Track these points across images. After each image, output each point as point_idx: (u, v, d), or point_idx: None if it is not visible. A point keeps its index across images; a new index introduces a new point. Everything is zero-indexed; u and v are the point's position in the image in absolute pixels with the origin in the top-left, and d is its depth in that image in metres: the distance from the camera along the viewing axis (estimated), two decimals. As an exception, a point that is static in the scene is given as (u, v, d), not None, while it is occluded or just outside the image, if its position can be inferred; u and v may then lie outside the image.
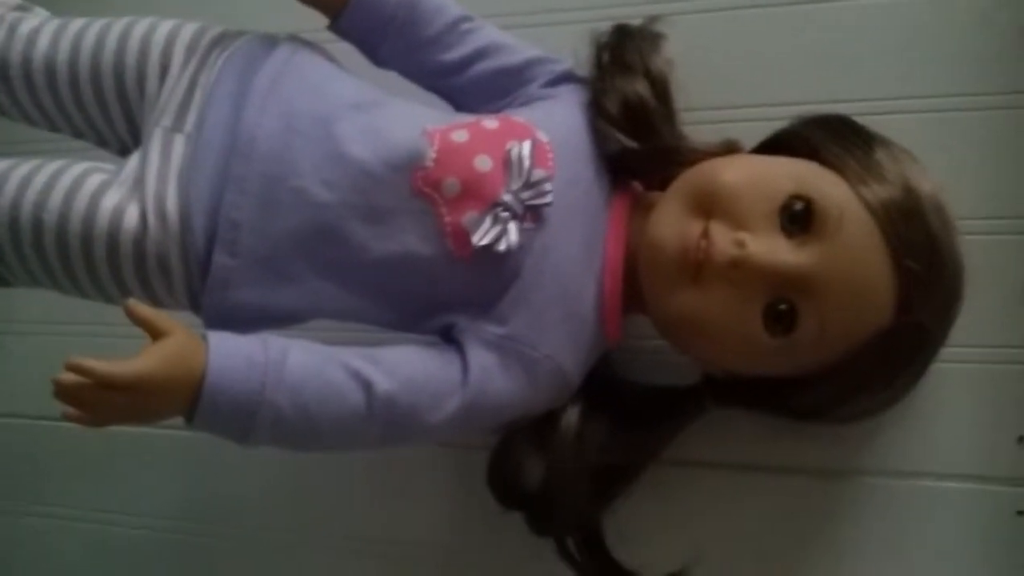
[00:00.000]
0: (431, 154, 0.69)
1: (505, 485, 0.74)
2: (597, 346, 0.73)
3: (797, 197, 0.65)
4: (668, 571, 0.75)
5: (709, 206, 0.67)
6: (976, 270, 0.68)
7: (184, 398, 0.62)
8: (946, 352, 0.69)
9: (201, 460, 0.99)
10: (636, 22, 0.78)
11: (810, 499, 0.79)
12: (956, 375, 0.75)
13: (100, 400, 0.60)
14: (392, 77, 0.80)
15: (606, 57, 0.76)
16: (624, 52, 0.75)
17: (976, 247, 0.69)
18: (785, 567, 0.80)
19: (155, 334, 0.63)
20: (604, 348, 0.74)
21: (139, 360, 0.61)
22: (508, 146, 0.69)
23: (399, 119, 0.72)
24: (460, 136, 0.70)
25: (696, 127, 0.76)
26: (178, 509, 1.01)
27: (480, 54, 0.77)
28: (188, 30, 0.77)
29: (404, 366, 0.68)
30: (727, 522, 0.81)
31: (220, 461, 0.97)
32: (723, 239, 0.65)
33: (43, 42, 0.77)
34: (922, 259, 0.64)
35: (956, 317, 0.68)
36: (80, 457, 1.05)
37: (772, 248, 0.64)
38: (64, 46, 0.77)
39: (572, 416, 0.72)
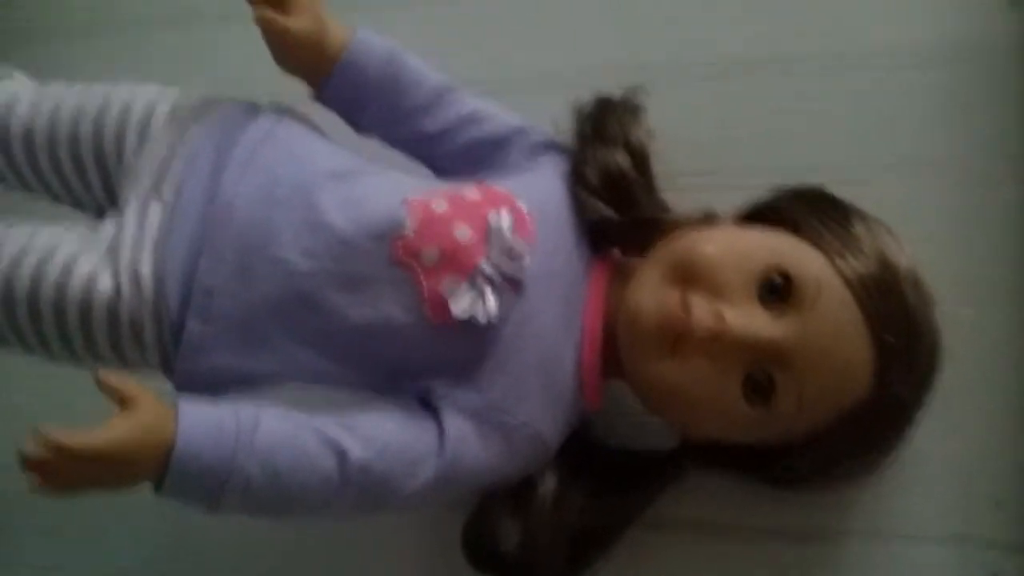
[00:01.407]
0: (411, 224, 0.69)
1: (480, 549, 0.72)
2: (576, 412, 0.72)
3: (775, 269, 0.66)
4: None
5: (688, 277, 0.67)
6: (955, 338, 0.69)
7: (153, 467, 0.61)
8: (925, 418, 0.69)
9: (171, 515, 0.95)
10: (618, 93, 0.78)
11: (788, 561, 0.78)
12: (935, 439, 0.74)
13: (67, 470, 0.59)
14: (373, 143, 0.80)
15: (588, 128, 0.77)
16: (605, 123, 0.76)
17: (955, 317, 0.70)
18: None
19: (124, 403, 0.62)
20: (583, 413, 0.73)
21: (107, 431, 0.60)
22: (488, 216, 0.69)
23: (379, 188, 0.72)
24: (440, 206, 0.70)
25: (676, 193, 0.77)
26: (150, 563, 0.99)
27: (461, 123, 0.78)
28: (169, 96, 0.77)
29: (379, 434, 0.67)
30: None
31: (190, 517, 0.94)
32: (702, 311, 0.65)
33: (22, 109, 0.77)
34: (899, 332, 0.65)
35: (932, 387, 0.68)
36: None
37: (750, 320, 0.65)
38: (43, 113, 0.77)
39: (550, 481, 0.71)
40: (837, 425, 0.66)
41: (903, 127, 0.82)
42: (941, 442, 0.75)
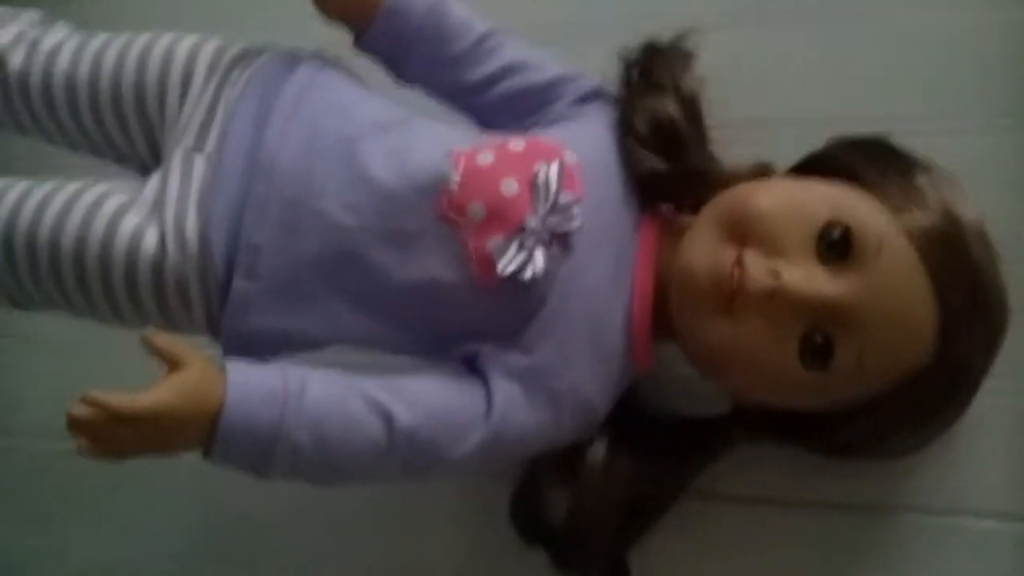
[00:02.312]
0: (456, 177, 0.67)
1: (528, 520, 0.72)
2: (625, 375, 0.71)
3: (835, 224, 0.63)
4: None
5: (742, 233, 0.64)
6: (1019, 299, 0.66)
7: (201, 431, 0.61)
8: (986, 385, 0.67)
9: (211, 485, 0.98)
10: (666, 38, 0.75)
11: (840, 536, 0.77)
12: (998, 407, 0.72)
13: (114, 433, 0.59)
14: (415, 94, 0.79)
15: (636, 75, 0.74)
16: (654, 70, 0.73)
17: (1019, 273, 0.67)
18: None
19: (172, 364, 0.62)
20: (632, 377, 0.72)
21: (155, 392, 0.60)
22: (535, 168, 0.67)
23: (424, 140, 0.70)
24: (486, 158, 0.68)
25: (729, 144, 0.74)
26: (187, 535, 1.01)
27: (506, 72, 0.76)
28: (209, 47, 0.76)
29: (426, 398, 0.66)
30: (755, 558, 0.79)
31: (230, 486, 0.95)
32: (758, 268, 0.63)
33: (64, 60, 0.76)
34: (964, 291, 0.62)
35: (998, 352, 0.65)
36: (88, 480, 1.05)
37: (809, 278, 0.62)
38: (85, 64, 0.76)
39: (599, 449, 0.70)
40: (897, 390, 0.64)
41: (969, 76, 0.78)
42: (1004, 410, 0.73)
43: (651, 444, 0.73)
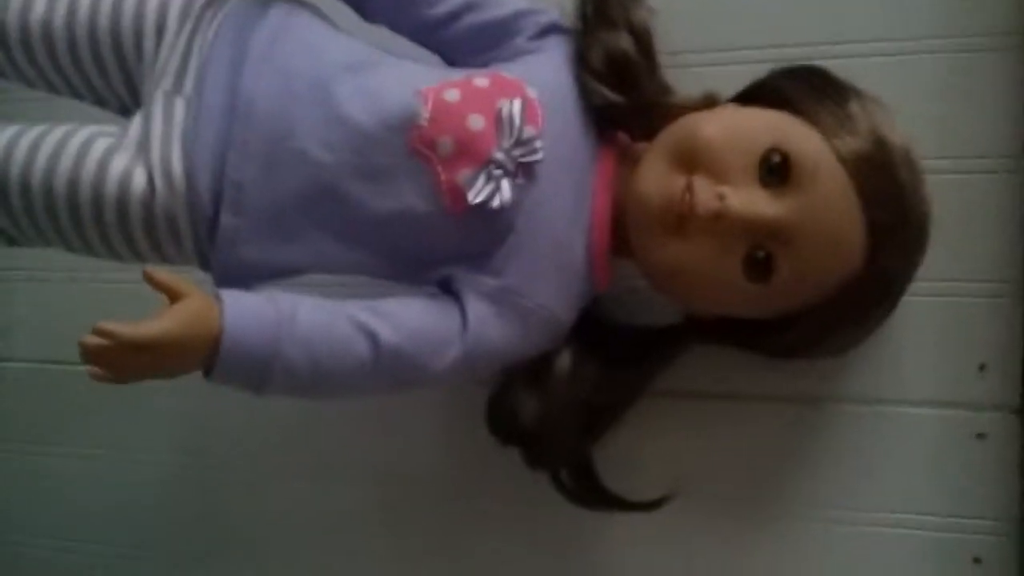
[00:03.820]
0: (425, 114, 0.71)
1: (502, 423, 0.78)
2: (587, 291, 0.77)
3: (775, 150, 0.68)
4: (653, 497, 0.81)
5: (691, 161, 0.70)
6: (943, 206, 0.72)
7: (203, 355, 0.66)
8: (913, 286, 0.74)
9: (211, 397, 1.01)
10: None
11: (785, 426, 0.85)
12: (922, 307, 0.80)
13: (124, 360, 0.64)
14: (381, 31, 0.81)
15: (589, 10, 0.77)
16: (607, 5, 0.77)
17: (943, 185, 0.74)
18: (762, 489, 0.86)
19: (173, 296, 0.66)
20: (593, 293, 0.78)
21: (159, 321, 0.65)
22: (499, 104, 0.71)
23: (392, 80, 0.74)
24: (452, 95, 0.72)
25: (678, 71, 0.79)
26: (189, 443, 1.06)
27: (468, 7, 0.78)
28: None
29: (407, 318, 0.72)
30: (707, 449, 0.86)
31: (229, 398, 1.00)
32: (705, 193, 0.68)
33: (39, 6, 0.78)
34: (890, 209, 0.68)
35: (921, 262, 0.72)
36: (96, 398, 1.07)
37: (751, 200, 0.68)
38: (60, 9, 0.77)
39: (565, 358, 0.76)
40: (832, 298, 0.70)
41: (903, 4, 0.83)
42: (928, 310, 0.80)
43: (612, 351, 0.79)
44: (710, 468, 0.86)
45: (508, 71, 0.76)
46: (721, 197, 0.68)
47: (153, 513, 1.08)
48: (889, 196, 0.68)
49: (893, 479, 0.82)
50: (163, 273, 0.67)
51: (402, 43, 0.82)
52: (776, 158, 0.69)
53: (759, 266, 0.69)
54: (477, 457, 0.89)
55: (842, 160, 0.68)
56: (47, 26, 0.78)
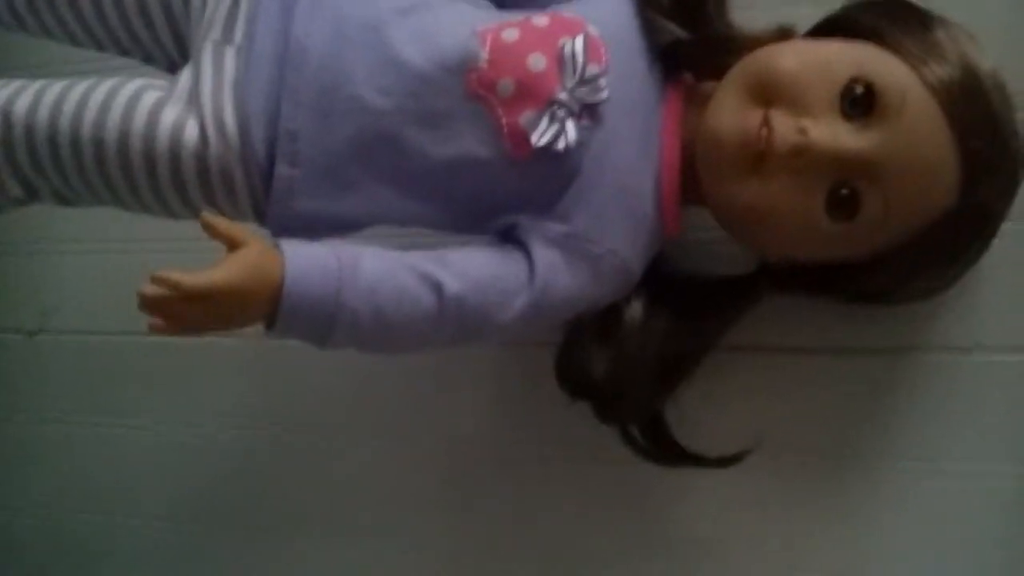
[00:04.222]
0: (484, 55, 0.69)
1: (573, 376, 0.76)
2: (656, 239, 0.74)
3: (857, 80, 0.65)
4: (729, 453, 0.77)
5: (768, 94, 0.66)
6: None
7: (265, 305, 0.64)
8: (1002, 227, 0.69)
9: (267, 365, 1.02)
10: None
11: (866, 378, 0.81)
12: (1010, 250, 0.75)
13: (183, 310, 0.62)
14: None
15: None
16: None
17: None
18: (843, 444, 0.82)
19: (232, 244, 0.64)
20: (663, 240, 0.75)
21: (219, 270, 0.62)
22: (560, 43, 0.68)
23: (448, 21, 0.71)
24: (511, 35, 0.69)
25: (747, 11, 0.75)
26: (246, 412, 1.05)
27: None
28: None
29: (471, 267, 0.69)
30: (785, 404, 0.83)
31: (285, 364, 1.00)
32: (784, 127, 0.65)
33: None
34: (985, 138, 0.64)
35: (1016, 194, 0.68)
36: (152, 369, 1.09)
37: (834, 134, 0.64)
38: None
39: (636, 308, 0.74)
40: (921, 237, 0.66)
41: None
42: (1018, 252, 0.75)
43: (684, 302, 0.76)
44: (786, 425, 0.82)
45: (568, 11, 0.73)
46: (802, 131, 0.64)
47: (205, 482, 1.07)
48: (984, 125, 0.64)
49: (980, 432, 0.78)
50: (222, 220, 0.65)
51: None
52: (859, 89, 0.65)
53: (844, 204, 0.65)
54: (538, 416, 0.87)
55: (931, 88, 0.64)
56: None
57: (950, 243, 0.68)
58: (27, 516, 1.18)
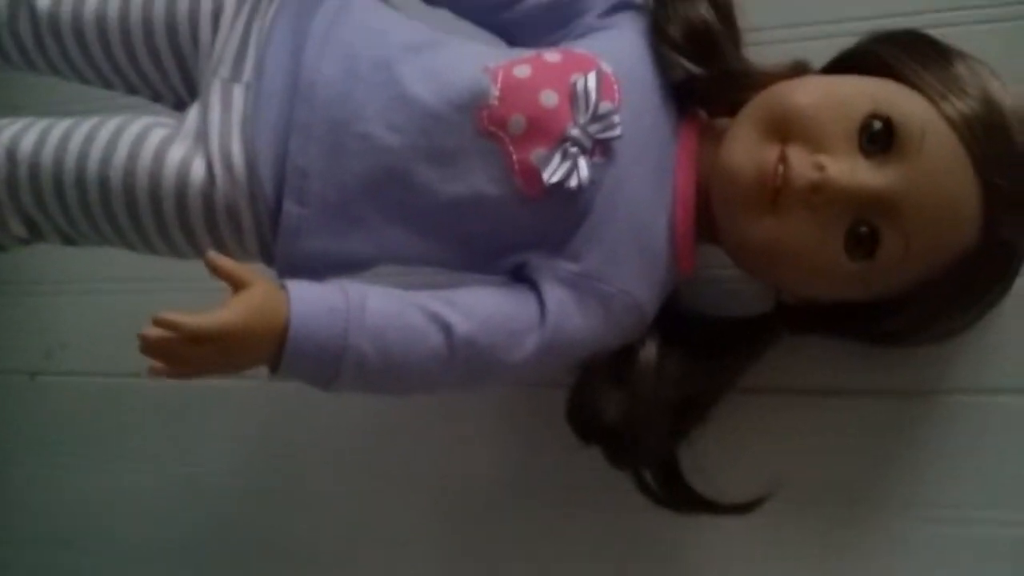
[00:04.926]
0: (495, 92, 0.68)
1: (584, 420, 0.73)
2: (670, 278, 0.72)
3: (876, 116, 0.63)
4: (745, 499, 0.75)
5: (784, 130, 0.65)
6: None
7: (269, 347, 0.63)
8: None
9: (276, 410, 1.01)
10: None
11: (884, 421, 0.79)
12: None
13: (186, 353, 0.60)
14: (442, 14, 0.79)
15: None
16: None
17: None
18: (863, 489, 0.79)
19: (237, 285, 0.63)
20: (677, 279, 0.73)
21: (224, 312, 0.61)
22: (572, 79, 0.67)
23: (458, 58, 0.71)
24: (523, 71, 0.68)
25: (761, 47, 0.74)
26: (249, 455, 1.04)
27: None
28: None
29: (481, 307, 0.68)
30: (802, 448, 0.80)
31: (294, 410, 0.99)
32: (801, 163, 0.63)
33: None
34: (1008, 174, 0.63)
35: None
36: (157, 412, 1.07)
37: (853, 170, 0.63)
38: (114, 1, 0.75)
39: (650, 350, 0.72)
40: (942, 276, 0.65)
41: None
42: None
43: (699, 344, 0.74)
44: (804, 469, 0.80)
45: (579, 47, 0.72)
46: (820, 167, 0.63)
47: (209, 525, 1.05)
48: (1006, 160, 0.63)
49: (1003, 474, 0.76)
50: (227, 260, 0.63)
51: (463, 27, 0.79)
52: (877, 124, 0.63)
53: (863, 242, 0.64)
54: (547, 460, 0.86)
55: (951, 123, 0.63)
56: (101, 18, 0.76)
57: (971, 282, 0.66)
58: (28, 553, 1.16)
